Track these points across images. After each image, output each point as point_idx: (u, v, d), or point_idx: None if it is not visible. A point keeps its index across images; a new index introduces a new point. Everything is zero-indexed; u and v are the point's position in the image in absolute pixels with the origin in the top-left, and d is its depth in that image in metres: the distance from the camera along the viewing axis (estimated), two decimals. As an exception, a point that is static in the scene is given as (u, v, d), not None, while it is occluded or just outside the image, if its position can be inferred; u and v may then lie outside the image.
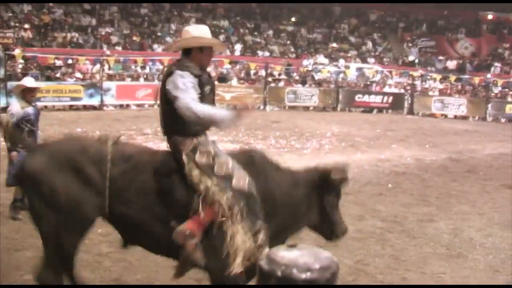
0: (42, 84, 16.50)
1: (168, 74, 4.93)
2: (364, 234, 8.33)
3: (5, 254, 6.92)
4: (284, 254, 2.18)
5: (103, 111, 21.73)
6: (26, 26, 29.63)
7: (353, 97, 27.88)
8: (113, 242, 7.39)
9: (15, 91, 9.25)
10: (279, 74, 28.35)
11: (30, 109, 8.62)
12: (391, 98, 28.28)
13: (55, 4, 33.52)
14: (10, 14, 30.82)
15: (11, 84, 20.39)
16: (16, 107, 8.62)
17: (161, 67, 26.46)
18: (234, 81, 26.61)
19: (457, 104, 28.29)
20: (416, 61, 39.32)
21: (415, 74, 30.82)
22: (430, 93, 29.36)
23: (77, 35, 31.84)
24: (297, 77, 28.76)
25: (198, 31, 5.08)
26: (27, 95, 8.70)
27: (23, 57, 22.35)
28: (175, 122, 4.97)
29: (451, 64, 38.33)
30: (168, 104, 4.88)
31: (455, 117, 27.73)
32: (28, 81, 9.04)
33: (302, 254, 2.18)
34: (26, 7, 32.23)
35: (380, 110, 28.03)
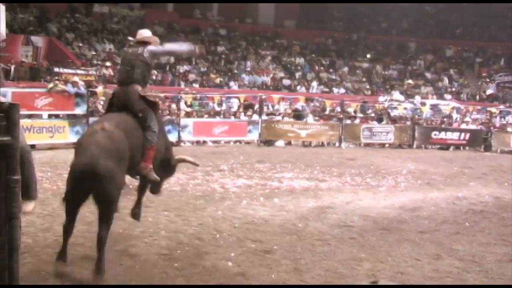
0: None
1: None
2: (441, 273, 8.24)
3: None
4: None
5: (180, 147, 22.12)
6: (108, 64, 30.64)
7: (429, 134, 27.58)
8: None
9: None
10: (355, 111, 28.32)
11: None
12: (468, 135, 27.83)
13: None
14: (93, 53, 31.94)
15: (92, 119, 21.13)
16: None
17: (237, 104, 26.97)
18: (310, 118, 26.73)
19: (538, 140, 27.64)
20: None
21: (493, 110, 30.31)
22: (509, 129, 28.76)
23: (156, 72, 32.68)
24: (372, 114, 28.64)
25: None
26: None
27: (105, 94, 23.06)
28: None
29: (531, 99, 37.52)
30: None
31: (536, 154, 27.06)
32: None
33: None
34: (108, 46, 33.35)
35: (457, 147, 27.64)
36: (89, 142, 6.98)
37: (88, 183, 6.94)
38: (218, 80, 33.89)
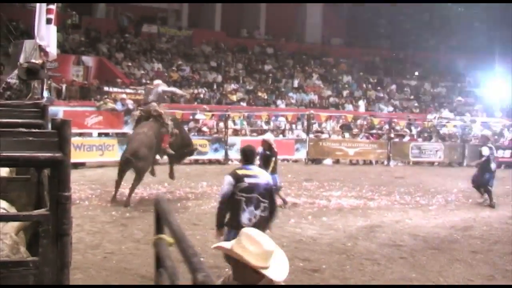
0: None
1: None
2: (495, 295, 8.06)
3: None
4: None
5: (227, 166, 22.15)
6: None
7: (480, 152, 27.03)
8: None
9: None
10: (402, 129, 28.02)
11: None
12: (520, 152, 27.29)
13: (183, 62, 34.87)
14: (142, 72, 32.30)
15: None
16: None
17: (284, 122, 26.98)
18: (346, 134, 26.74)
19: None
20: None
21: (546, 127, 29.68)
22: None
23: (203, 91, 32.90)
24: (425, 134, 28.22)
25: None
26: (264, 145, 14.30)
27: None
28: None
29: None
30: None
31: None
32: (267, 135, 16.08)
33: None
34: (157, 65, 33.72)
35: (508, 165, 27.07)
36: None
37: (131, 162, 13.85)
38: (235, 97, 33.88)
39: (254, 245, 3.74)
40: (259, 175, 8.00)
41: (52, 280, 3.12)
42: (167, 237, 3.56)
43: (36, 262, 3.15)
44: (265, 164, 14.07)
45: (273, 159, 14.00)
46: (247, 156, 8.21)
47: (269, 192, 7.97)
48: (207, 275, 2.53)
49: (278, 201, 14.18)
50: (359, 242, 10.79)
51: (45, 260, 3.11)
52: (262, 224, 7.65)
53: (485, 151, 17.07)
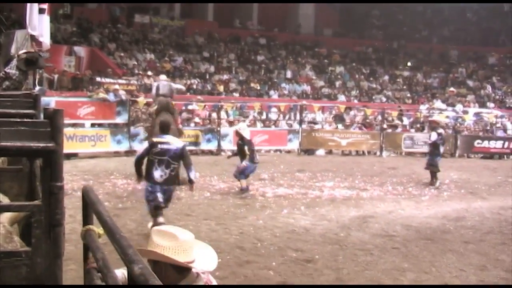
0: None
1: None
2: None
3: None
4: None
5: (220, 156, 22.15)
6: (149, 73, 30.74)
7: (472, 142, 27.11)
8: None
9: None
10: (392, 119, 28.02)
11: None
12: (512, 143, 27.35)
13: (176, 52, 34.76)
14: (134, 63, 32.16)
15: (133, 128, 21.25)
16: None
17: (277, 113, 26.95)
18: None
19: None
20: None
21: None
22: (555, 137, 28.14)
23: (196, 81, 32.81)
24: (417, 125, 28.24)
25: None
26: (237, 135, 15.57)
27: (146, 103, 23.20)
28: None
29: None
30: None
31: None
32: (238, 126, 17.32)
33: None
34: (149, 56, 33.59)
35: (501, 156, 27.15)
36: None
37: None
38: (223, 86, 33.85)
39: (168, 239, 3.38)
40: (171, 143, 10.01)
41: (44, 271, 3.11)
42: (96, 228, 3.51)
43: (29, 252, 3.13)
44: (239, 153, 15.11)
45: (246, 147, 14.77)
46: (162, 128, 10.38)
47: (179, 156, 9.96)
48: (144, 267, 2.50)
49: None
50: (352, 232, 10.80)
51: (37, 251, 3.09)
52: (172, 180, 9.93)
53: (433, 136, 17.69)
